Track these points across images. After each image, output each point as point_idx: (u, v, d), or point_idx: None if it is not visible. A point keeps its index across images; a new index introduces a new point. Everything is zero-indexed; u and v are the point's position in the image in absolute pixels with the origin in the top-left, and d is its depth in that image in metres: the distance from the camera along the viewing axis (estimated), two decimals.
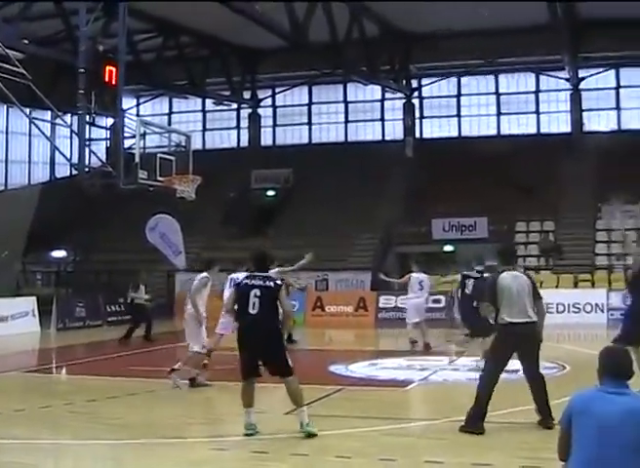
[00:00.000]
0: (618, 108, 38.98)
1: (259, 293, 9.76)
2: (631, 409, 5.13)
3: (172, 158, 23.10)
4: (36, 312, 26.14)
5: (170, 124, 41.53)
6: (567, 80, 38.12)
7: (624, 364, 5.41)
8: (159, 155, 22.91)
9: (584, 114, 38.67)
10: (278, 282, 10.06)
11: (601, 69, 38.30)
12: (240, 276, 14.92)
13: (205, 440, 9.38)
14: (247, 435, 9.52)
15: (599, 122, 39.23)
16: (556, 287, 28.70)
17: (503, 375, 9.95)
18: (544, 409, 9.71)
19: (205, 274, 14.06)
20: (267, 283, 9.89)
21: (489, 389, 9.77)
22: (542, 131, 39.71)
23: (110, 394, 12.65)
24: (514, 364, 10.06)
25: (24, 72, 20.47)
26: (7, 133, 41.29)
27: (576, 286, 29.69)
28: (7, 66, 19.90)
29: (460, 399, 12.18)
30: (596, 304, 27.43)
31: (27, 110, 25.44)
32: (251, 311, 9.77)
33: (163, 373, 14.78)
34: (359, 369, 15.56)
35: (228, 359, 16.98)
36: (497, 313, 9.82)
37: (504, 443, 9.25)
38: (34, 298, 26.56)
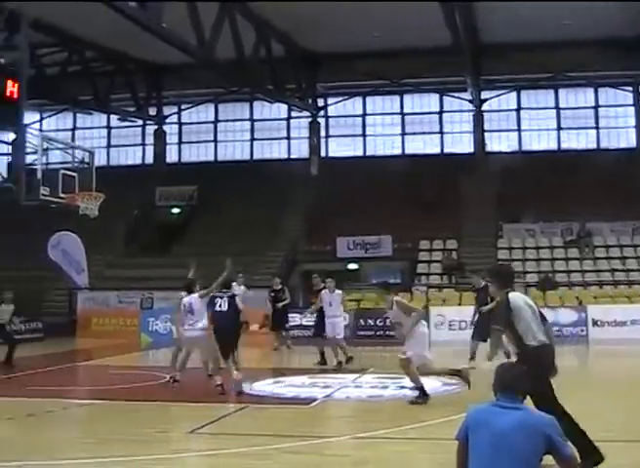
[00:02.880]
0: (518, 129, 39.91)
1: None
2: (522, 422, 5.28)
3: (75, 174, 22.80)
4: None
5: (74, 140, 40.89)
6: (470, 101, 38.85)
7: (517, 379, 5.57)
8: (62, 171, 22.59)
9: (487, 135, 39.46)
10: None
11: (503, 91, 39.18)
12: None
13: (105, 460, 9.21)
14: None
15: (500, 142, 40.07)
16: (459, 304, 29.06)
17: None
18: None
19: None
20: None
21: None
22: (446, 150, 40.35)
23: (8, 415, 12.37)
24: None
25: None
26: None
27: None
28: None
29: (363, 416, 12.27)
30: None
31: None
32: None
33: (61, 393, 14.62)
34: (263, 386, 15.49)
35: (130, 378, 16.85)
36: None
37: (412, 459, 9.31)
38: None
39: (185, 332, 15.22)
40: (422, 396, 12.94)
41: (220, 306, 14.99)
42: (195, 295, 14.90)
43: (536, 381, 8.35)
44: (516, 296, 8.75)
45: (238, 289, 22.35)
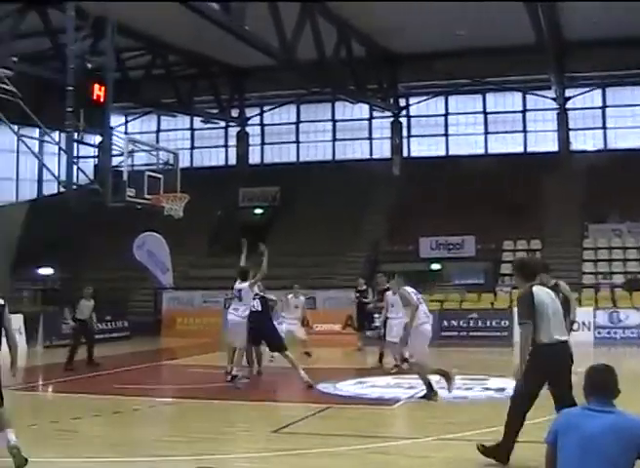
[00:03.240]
0: (604, 127, 39.19)
1: None
2: (614, 426, 5.18)
3: (159, 176, 23.07)
4: (23, 330, 25.80)
5: (158, 142, 41.42)
6: (553, 99, 38.32)
7: (609, 382, 5.45)
8: (147, 173, 22.89)
9: (571, 133, 38.85)
10: (1, 302, 8.33)
11: (587, 89, 38.52)
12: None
13: (190, 458, 9.32)
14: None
15: (585, 141, 39.41)
16: None
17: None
18: None
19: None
20: None
21: None
22: (529, 149, 39.86)
23: (95, 412, 12.60)
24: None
25: (15, 90, 20.46)
26: None
27: None
28: None
29: (447, 417, 12.19)
30: (583, 323, 27.30)
31: (15, 127, 25.33)
32: None
33: (147, 391, 14.85)
34: (347, 387, 15.51)
35: (214, 377, 17.01)
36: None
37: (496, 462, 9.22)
38: (21, 316, 26.24)
39: (229, 315, 15.82)
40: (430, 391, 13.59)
41: (253, 306, 15.56)
42: (246, 284, 15.41)
43: (533, 376, 8.35)
44: (540, 290, 8.74)
45: (297, 301, 22.34)
